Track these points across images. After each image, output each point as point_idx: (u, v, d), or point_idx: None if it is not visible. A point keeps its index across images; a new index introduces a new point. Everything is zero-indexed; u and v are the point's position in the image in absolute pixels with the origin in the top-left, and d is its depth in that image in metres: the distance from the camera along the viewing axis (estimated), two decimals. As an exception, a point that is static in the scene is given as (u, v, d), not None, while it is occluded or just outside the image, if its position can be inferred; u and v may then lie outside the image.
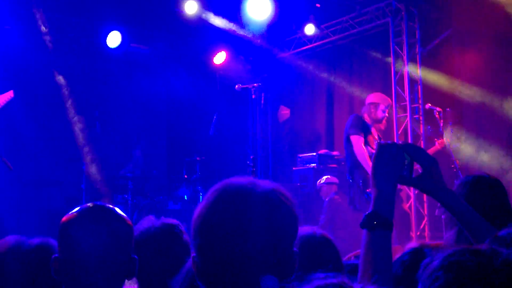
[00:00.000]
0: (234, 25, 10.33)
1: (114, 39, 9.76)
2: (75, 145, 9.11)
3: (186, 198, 9.24)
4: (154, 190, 9.75)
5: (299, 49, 11.07)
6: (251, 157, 6.97)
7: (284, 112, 11.28)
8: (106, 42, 9.74)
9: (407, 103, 9.03)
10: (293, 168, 9.87)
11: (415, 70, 9.08)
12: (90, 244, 1.97)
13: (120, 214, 2.06)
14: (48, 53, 9.80)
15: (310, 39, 10.62)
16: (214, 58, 10.96)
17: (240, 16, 9.76)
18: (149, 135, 10.70)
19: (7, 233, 7.59)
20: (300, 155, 9.81)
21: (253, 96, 7.19)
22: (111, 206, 2.09)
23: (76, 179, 9.06)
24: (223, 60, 10.97)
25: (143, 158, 10.07)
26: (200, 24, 10.20)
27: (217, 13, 10.17)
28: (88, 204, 2.10)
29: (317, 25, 10.13)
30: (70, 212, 2.07)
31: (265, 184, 1.60)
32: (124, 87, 10.45)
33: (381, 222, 1.85)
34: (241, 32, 10.50)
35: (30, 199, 9.56)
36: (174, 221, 2.72)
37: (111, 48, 9.81)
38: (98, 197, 9.41)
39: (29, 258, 2.31)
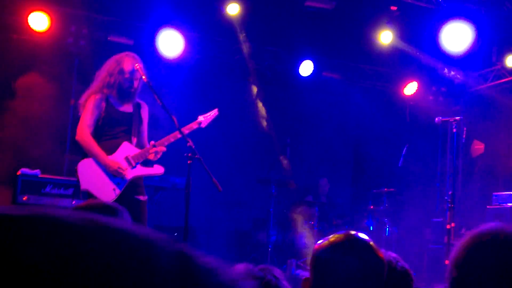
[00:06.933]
0: (427, 55, 10.15)
1: (306, 68, 9.99)
2: (264, 168, 9.37)
3: (371, 229, 9.14)
4: (339, 219, 9.75)
5: (497, 81, 10.58)
6: (450, 192, 6.72)
7: (478, 147, 10.81)
8: (298, 70, 9.99)
9: None
10: (487, 207, 9.40)
11: None
12: (342, 275, 1.97)
13: (373, 247, 2.04)
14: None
15: (511, 71, 10.13)
16: (405, 88, 10.82)
17: (437, 47, 9.52)
18: (336, 163, 10.75)
19: (198, 247, 7.97)
20: (496, 193, 9.32)
21: (454, 130, 6.96)
22: (364, 236, 2.09)
23: (264, 201, 9.33)
24: (414, 90, 10.79)
25: (329, 186, 10.12)
26: (391, 53, 10.16)
27: (410, 43, 10.05)
28: (341, 233, 2.11)
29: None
30: (322, 241, 2.09)
31: None
32: (314, 115, 10.62)
33: None
34: (434, 62, 10.30)
35: (220, 218, 9.98)
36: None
37: (303, 77, 10.05)
38: (284, 221, 9.60)
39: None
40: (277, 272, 2.58)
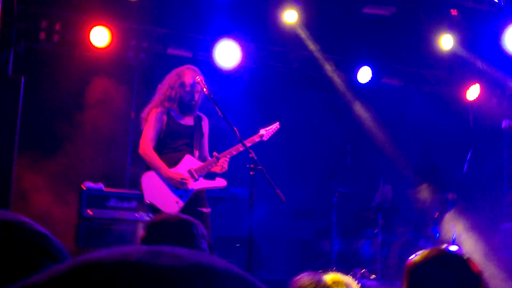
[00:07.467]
0: (490, 60, 9.91)
1: (365, 74, 9.87)
2: (325, 177, 9.30)
3: (437, 237, 8.94)
4: (403, 226, 9.60)
5: None
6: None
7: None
8: (357, 77, 9.88)
9: None
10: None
11: None
12: None
13: (469, 261, 1.99)
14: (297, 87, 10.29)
15: None
16: (467, 92, 10.57)
17: (500, 50, 9.29)
18: (398, 169, 10.59)
19: (261, 257, 7.97)
20: None
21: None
22: (458, 250, 2.04)
23: (326, 210, 9.26)
24: (477, 95, 10.53)
25: (392, 193, 9.97)
26: (452, 57, 9.95)
27: (472, 47, 9.83)
28: (435, 248, 2.07)
29: None
30: (415, 255, 2.06)
31: None
32: (375, 122, 10.48)
33: None
34: (497, 67, 10.04)
35: (282, 228, 9.97)
36: None
37: (361, 83, 9.95)
38: (348, 230, 9.50)
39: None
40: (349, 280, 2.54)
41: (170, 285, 0.53)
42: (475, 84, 10.43)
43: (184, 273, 0.54)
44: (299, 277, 2.39)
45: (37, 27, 8.27)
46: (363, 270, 8.81)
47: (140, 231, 2.70)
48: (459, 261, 1.97)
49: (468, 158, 9.13)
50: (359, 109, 10.32)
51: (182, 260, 0.55)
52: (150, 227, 2.70)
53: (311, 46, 9.39)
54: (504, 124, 7.01)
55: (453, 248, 2.04)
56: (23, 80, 6.05)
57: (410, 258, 2.08)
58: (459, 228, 9.02)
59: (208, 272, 0.55)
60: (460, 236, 8.92)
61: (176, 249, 0.59)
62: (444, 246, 2.10)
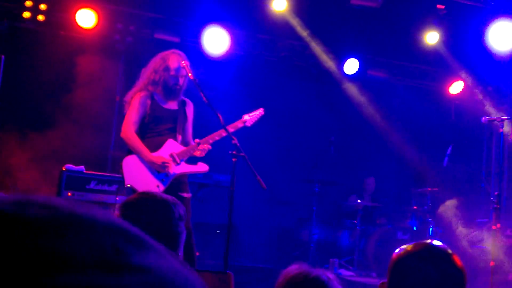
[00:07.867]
0: (473, 56, 9.97)
1: (351, 66, 9.90)
2: (308, 166, 9.35)
3: (415, 229, 9.03)
4: (382, 218, 9.67)
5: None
6: (496, 193, 6.59)
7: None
8: (343, 68, 9.90)
9: None
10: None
11: None
12: (420, 285, 1.94)
13: (452, 256, 2.01)
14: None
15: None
16: (450, 87, 10.65)
17: (484, 46, 9.34)
18: (380, 162, 10.66)
19: (241, 244, 7.99)
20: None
21: (500, 130, 6.81)
22: (442, 245, 2.06)
23: (307, 200, 9.30)
24: (460, 90, 10.60)
25: (375, 185, 10.04)
26: (437, 52, 10.00)
27: (457, 41, 9.89)
28: (420, 242, 2.09)
29: None
30: (400, 249, 2.07)
31: None
32: (360, 113, 10.52)
33: None
34: (479, 62, 10.11)
35: (263, 216, 10.00)
36: None
37: (348, 75, 9.97)
38: (328, 220, 9.55)
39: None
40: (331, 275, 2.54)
41: (38, 236, 0.49)
42: (459, 79, 10.50)
43: (55, 223, 0.50)
44: (287, 269, 2.41)
45: (22, 6, 8.19)
46: (340, 260, 8.89)
47: (115, 211, 2.66)
48: (442, 256, 1.99)
49: (448, 152, 9.19)
50: (351, 90, 10.31)
51: (53, 210, 0.52)
52: (124, 207, 2.65)
53: (301, 33, 9.39)
54: (484, 120, 7.05)
55: (437, 243, 2.07)
56: (3, 58, 5.98)
57: (395, 252, 2.09)
58: (435, 221, 9.11)
59: (84, 222, 0.52)
60: (436, 229, 9.02)
61: (50, 199, 0.55)
62: (428, 241, 2.12)
